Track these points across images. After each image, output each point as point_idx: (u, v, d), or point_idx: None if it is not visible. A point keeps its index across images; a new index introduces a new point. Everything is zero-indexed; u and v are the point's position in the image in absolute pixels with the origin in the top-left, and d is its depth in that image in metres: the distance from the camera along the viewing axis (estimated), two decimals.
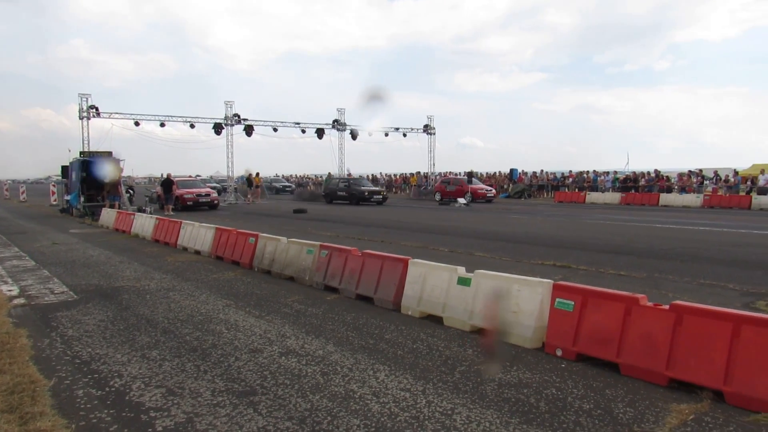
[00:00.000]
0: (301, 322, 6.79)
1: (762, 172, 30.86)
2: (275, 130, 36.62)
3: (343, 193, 33.31)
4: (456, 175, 46.18)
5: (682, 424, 3.94)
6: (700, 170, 34.94)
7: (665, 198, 30.07)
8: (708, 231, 16.31)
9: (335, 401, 4.39)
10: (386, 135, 41.21)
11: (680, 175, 34.56)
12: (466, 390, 4.60)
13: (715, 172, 33.88)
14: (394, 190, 51.19)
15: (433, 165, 44.08)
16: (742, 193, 29.53)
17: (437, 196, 35.82)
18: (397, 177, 53.88)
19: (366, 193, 32.33)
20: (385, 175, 57.10)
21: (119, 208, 22.02)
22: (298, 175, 67.99)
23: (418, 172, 47.67)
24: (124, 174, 28.64)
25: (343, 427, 3.93)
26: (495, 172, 44.82)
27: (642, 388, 4.57)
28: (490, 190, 35.45)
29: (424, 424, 3.97)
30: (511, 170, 41.69)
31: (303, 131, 37.81)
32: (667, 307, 4.83)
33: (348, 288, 8.17)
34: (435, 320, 6.73)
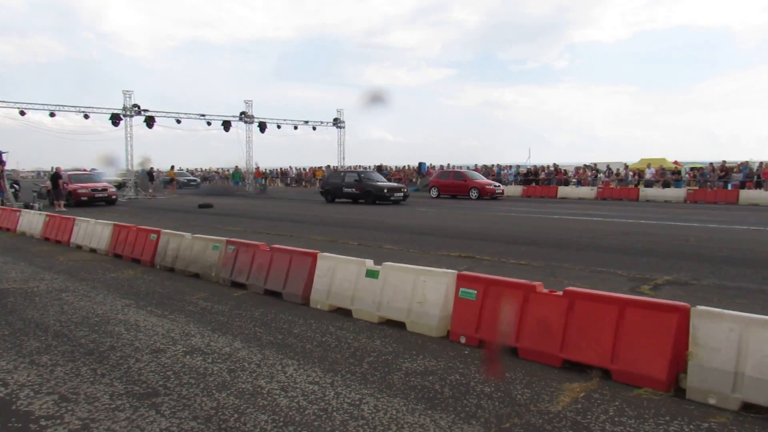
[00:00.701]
0: (206, 320, 6.61)
1: (648, 166, 33.47)
2: (178, 121, 35.28)
3: (352, 190, 26.96)
4: (366, 168, 46.46)
5: (573, 401, 4.21)
6: (595, 164, 37.32)
7: (563, 190, 31.80)
8: (600, 221, 17.43)
9: (242, 398, 4.32)
10: (295, 128, 40.81)
11: (577, 169, 36.70)
12: (373, 380, 4.67)
13: (608, 166, 36.34)
14: (304, 183, 50.83)
15: (343, 158, 44.16)
16: (631, 186, 31.80)
17: (433, 192, 31.11)
18: (307, 171, 53.55)
19: (385, 191, 26.09)
20: (295, 168, 56.55)
21: (2, 205, 20.37)
22: (203, 169, 65.84)
23: (328, 166, 47.58)
24: (8, 167, 26.54)
25: (251, 424, 3.88)
26: (404, 166, 45.51)
27: (538, 370, 4.84)
28: (498, 186, 30.24)
29: (332, 415, 4.00)
30: (420, 164, 42.47)
31: (208, 123, 36.68)
32: (561, 293, 5.13)
33: (256, 283, 8.04)
34: (344, 313, 6.77)
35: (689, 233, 14.09)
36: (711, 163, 32.05)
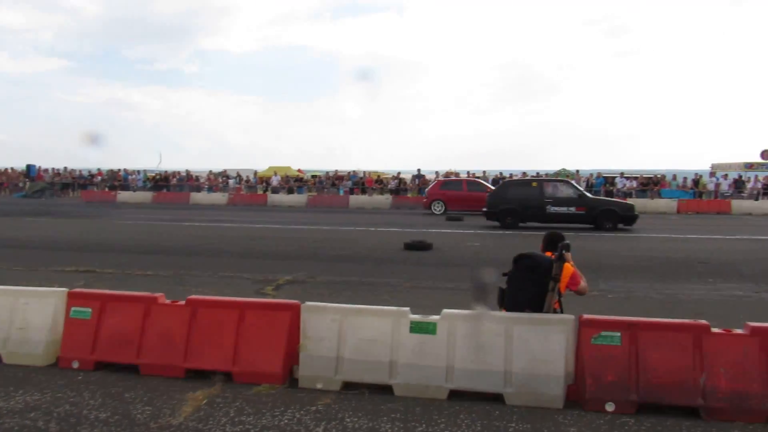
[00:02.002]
0: None
1: (275, 173, 35.95)
2: None
3: (570, 209, 17.60)
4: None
5: (196, 410, 4.21)
6: (225, 171, 38.22)
7: (195, 197, 31.64)
8: (230, 227, 17.94)
9: None
10: None
11: (209, 175, 36.98)
12: None
13: (238, 173, 37.66)
14: None
15: None
16: (260, 192, 33.60)
17: (437, 207, 23.27)
18: None
19: (635, 211, 17.81)
20: None
21: None
22: None
23: None
24: None
25: None
26: (7, 168, 38.62)
27: (161, 385, 4.69)
28: None
29: None
30: (28, 166, 36.57)
31: None
32: (183, 302, 5.09)
33: None
34: None
35: (308, 236, 15.66)
36: (327, 172, 36.30)
